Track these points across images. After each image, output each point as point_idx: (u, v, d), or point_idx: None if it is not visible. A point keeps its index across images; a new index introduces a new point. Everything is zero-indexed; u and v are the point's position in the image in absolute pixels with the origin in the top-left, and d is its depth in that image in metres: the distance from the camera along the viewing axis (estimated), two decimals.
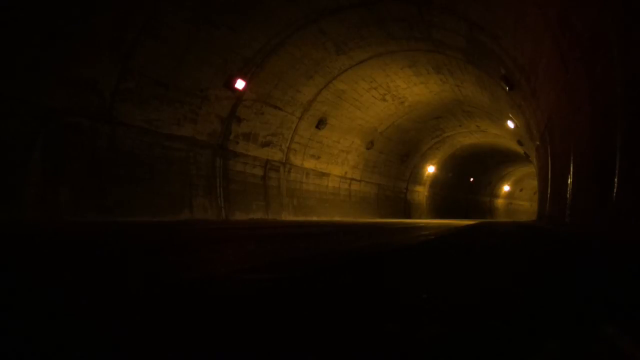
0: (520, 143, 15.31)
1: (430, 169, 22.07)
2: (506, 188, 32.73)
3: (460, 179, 25.63)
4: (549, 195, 7.84)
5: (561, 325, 1.03)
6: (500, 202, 33.46)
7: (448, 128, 18.26)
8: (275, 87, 11.22)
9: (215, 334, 0.95)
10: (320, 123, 13.66)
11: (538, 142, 9.62)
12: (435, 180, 23.45)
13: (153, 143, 8.78)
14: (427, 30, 9.30)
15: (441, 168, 22.97)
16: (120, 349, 0.86)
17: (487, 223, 11.54)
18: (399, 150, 18.72)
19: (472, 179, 27.09)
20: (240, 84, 10.11)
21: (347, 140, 15.46)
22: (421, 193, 22.79)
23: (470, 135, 19.53)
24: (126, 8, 7.15)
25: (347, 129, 14.96)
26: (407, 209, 21.15)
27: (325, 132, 14.19)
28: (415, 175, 21.35)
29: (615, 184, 2.99)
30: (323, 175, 15.25)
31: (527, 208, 36.09)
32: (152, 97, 8.51)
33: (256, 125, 11.56)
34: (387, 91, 13.67)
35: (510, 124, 13.29)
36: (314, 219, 13.55)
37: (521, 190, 35.11)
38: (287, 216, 12.96)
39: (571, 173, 4.93)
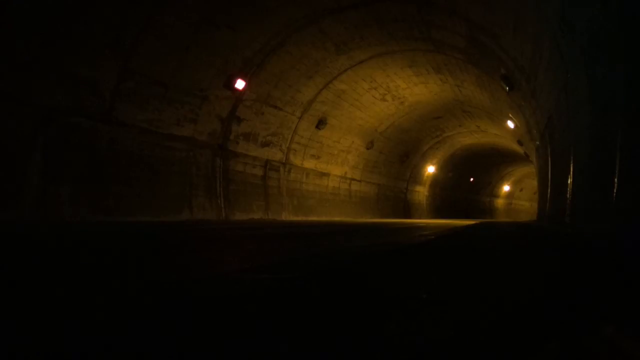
0: (520, 143, 15.31)
1: (430, 169, 22.07)
2: (506, 188, 32.73)
3: (460, 179, 25.63)
4: (549, 195, 7.84)
5: (561, 326, 1.03)
6: (500, 202, 33.47)
7: (448, 128, 18.26)
8: (275, 87, 11.22)
9: (214, 333, 0.95)
10: (320, 123, 13.66)
11: (538, 142, 9.62)
12: (435, 180, 23.45)
13: (153, 143, 8.78)
14: (427, 30, 9.31)
15: (441, 168, 22.97)
16: (115, 349, 0.86)
17: (487, 223, 11.54)
18: (399, 150, 18.72)
19: (472, 179, 27.10)
20: (240, 84, 10.11)
21: (347, 140, 15.46)
22: (421, 193, 22.79)
23: (470, 135, 19.53)
24: (126, 7, 7.15)
25: (347, 129, 14.96)
26: (407, 209, 21.15)
27: (325, 132, 14.19)
28: (415, 175, 21.36)
29: (615, 184, 2.99)
30: (323, 175, 15.25)
31: (527, 208, 36.09)
32: (152, 97, 8.51)
33: (256, 125, 11.56)
34: (387, 91, 13.67)
35: (510, 124, 13.29)
36: (314, 219, 13.55)
37: (521, 190, 35.11)
38: (287, 216, 12.96)
39: (571, 173, 4.93)
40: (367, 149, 16.74)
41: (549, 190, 7.81)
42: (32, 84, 6.51)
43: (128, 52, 7.66)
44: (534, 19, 5.46)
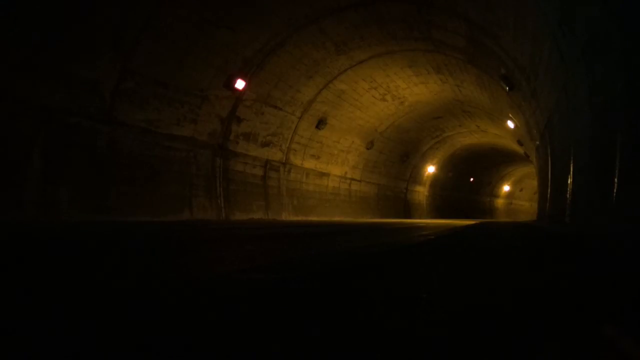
0: (520, 143, 15.32)
1: (430, 169, 22.07)
2: (506, 188, 32.74)
3: (460, 179, 25.63)
4: (549, 195, 7.84)
5: (561, 326, 1.02)
6: (500, 202, 33.47)
7: (448, 128, 18.26)
8: (275, 87, 11.22)
9: (214, 332, 0.95)
10: (320, 123, 13.66)
11: (538, 142, 9.62)
12: (435, 180, 23.46)
13: (153, 143, 8.78)
14: (427, 30, 9.31)
15: (441, 168, 22.97)
16: (116, 348, 0.86)
17: (487, 223, 11.54)
18: (399, 150, 18.72)
19: (472, 179, 27.10)
20: (240, 84, 10.11)
21: (347, 140, 15.46)
22: (421, 193, 22.79)
23: (470, 135, 19.53)
24: (126, 8, 7.15)
25: (347, 129, 14.96)
26: (407, 209, 21.15)
27: (325, 132, 14.19)
28: (415, 175, 21.36)
29: (616, 184, 2.99)
30: (323, 175, 15.26)
31: (527, 208, 36.10)
32: (152, 97, 8.51)
33: (256, 125, 11.56)
34: (387, 91, 13.67)
35: (510, 124, 13.29)
36: (314, 219, 13.55)
37: (521, 190, 35.12)
38: (287, 216, 12.96)
39: (571, 173, 4.93)
40: (367, 149, 16.74)
41: (549, 190, 7.81)
42: (32, 84, 6.51)
43: (128, 52, 7.66)
44: (534, 18, 5.46)
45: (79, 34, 6.83)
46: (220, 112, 10.31)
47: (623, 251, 2.31)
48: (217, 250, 3.21)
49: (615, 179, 2.98)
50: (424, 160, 21.12)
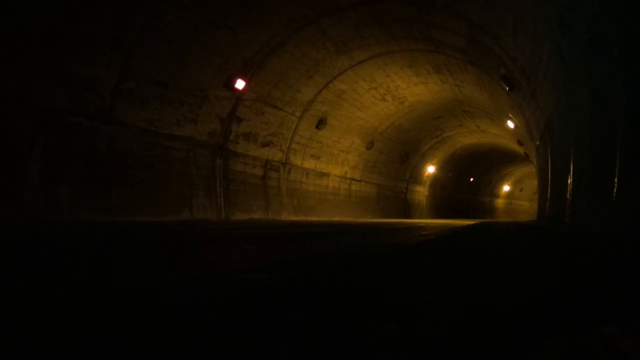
0: (520, 143, 15.32)
1: (430, 169, 22.07)
2: (506, 188, 32.73)
3: (460, 179, 25.63)
4: (549, 195, 7.84)
5: (560, 326, 1.03)
6: (500, 202, 33.47)
7: (448, 128, 18.26)
8: (275, 87, 11.22)
9: (215, 332, 0.95)
10: (320, 123, 13.66)
11: (538, 142, 9.62)
12: (435, 180, 23.45)
13: (153, 143, 8.77)
14: (427, 30, 9.30)
15: (441, 168, 22.97)
16: (117, 348, 0.86)
17: (487, 223, 11.54)
18: (399, 150, 18.72)
19: (472, 179, 27.10)
20: (240, 84, 10.11)
21: (347, 140, 15.46)
22: (421, 193, 22.79)
23: (470, 135, 19.53)
24: (126, 8, 7.15)
25: (347, 129, 14.96)
26: (407, 209, 21.15)
27: (325, 132, 14.19)
28: (415, 175, 21.35)
29: (616, 184, 2.99)
30: (323, 175, 15.25)
31: (527, 208, 36.09)
32: (152, 97, 8.51)
33: (256, 125, 11.56)
34: (387, 91, 13.67)
35: (510, 124, 13.29)
36: (314, 219, 13.55)
37: (521, 190, 35.11)
38: (287, 216, 12.96)
39: (571, 173, 4.93)
40: (367, 149, 16.74)
41: (549, 190, 7.81)
42: (32, 84, 6.51)
43: (128, 52, 7.66)
44: (534, 19, 5.46)
45: (79, 33, 6.82)
46: (220, 112, 10.31)
47: (624, 251, 2.32)
48: (217, 250, 3.21)
49: (615, 179, 2.98)
50: (424, 160, 21.11)
